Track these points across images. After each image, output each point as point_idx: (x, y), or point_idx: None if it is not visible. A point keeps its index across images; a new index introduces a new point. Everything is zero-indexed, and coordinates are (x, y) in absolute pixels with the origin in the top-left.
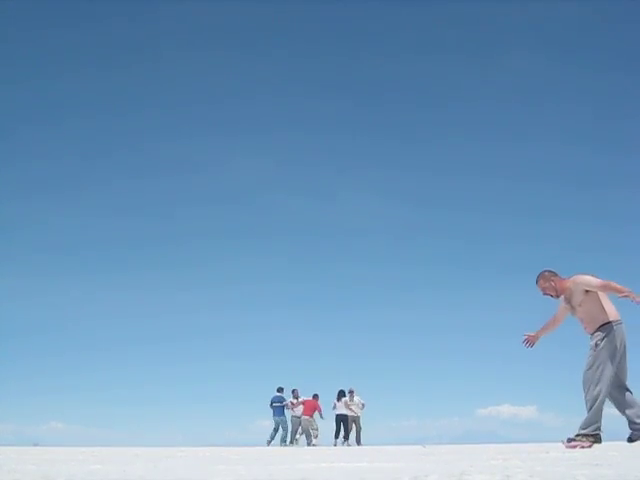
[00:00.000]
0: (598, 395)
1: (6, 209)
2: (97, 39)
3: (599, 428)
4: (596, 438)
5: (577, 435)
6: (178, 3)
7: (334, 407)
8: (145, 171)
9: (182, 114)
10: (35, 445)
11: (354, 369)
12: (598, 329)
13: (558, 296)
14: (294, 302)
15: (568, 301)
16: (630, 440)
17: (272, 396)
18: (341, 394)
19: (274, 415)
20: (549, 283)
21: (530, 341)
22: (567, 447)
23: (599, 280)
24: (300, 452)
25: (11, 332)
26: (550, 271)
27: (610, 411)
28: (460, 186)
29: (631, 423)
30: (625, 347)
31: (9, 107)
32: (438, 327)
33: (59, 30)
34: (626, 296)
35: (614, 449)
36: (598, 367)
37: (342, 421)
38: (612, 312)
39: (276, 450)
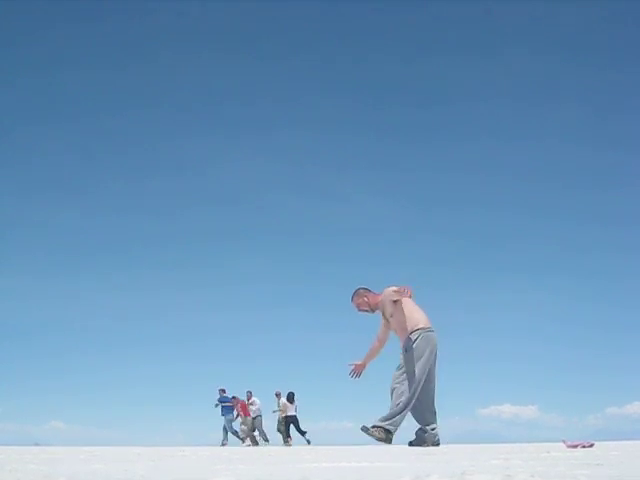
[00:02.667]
0: (403, 394)
1: (6, 209)
2: (96, 39)
3: (394, 429)
4: (387, 434)
5: (373, 426)
6: (177, 3)
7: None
8: (145, 171)
9: (184, 114)
10: (36, 445)
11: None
12: (408, 337)
13: (373, 311)
14: (297, 303)
15: (383, 315)
16: (410, 444)
17: (221, 397)
18: (291, 396)
19: (227, 414)
20: (362, 299)
21: (357, 371)
22: (568, 447)
23: (394, 287)
24: (301, 452)
25: (12, 332)
26: (364, 288)
27: (610, 411)
28: (463, 186)
29: (420, 429)
30: (434, 354)
31: (8, 107)
32: (439, 326)
33: (58, 29)
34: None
35: (615, 449)
36: (407, 371)
37: (292, 422)
38: (421, 320)
39: (276, 450)
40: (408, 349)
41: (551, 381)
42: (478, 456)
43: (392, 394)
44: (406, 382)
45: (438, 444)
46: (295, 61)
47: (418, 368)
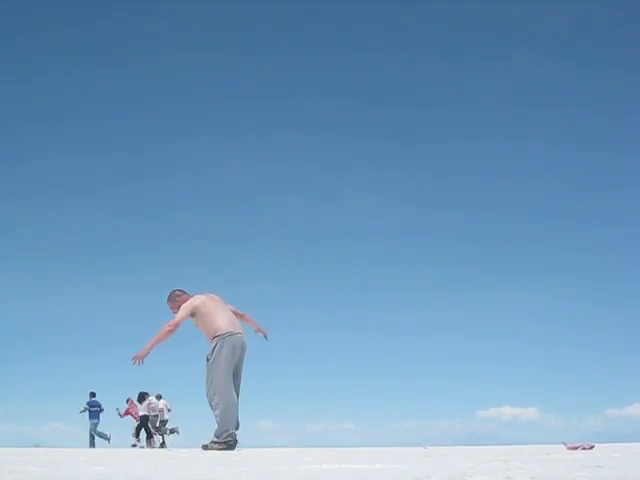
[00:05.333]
0: (218, 406)
1: (6, 209)
2: (94, 39)
3: (231, 435)
4: (228, 444)
5: (211, 442)
6: (176, 3)
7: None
8: (144, 172)
9: (181, 115)
10: (36, 446)
11: (355, 370)
12: (211, 342)
13: None
14: (294, 303)
15: (192, 317)
16: (204, 447)
17: (90, 401)
18: (140, 396)
19: (93, 419)
20: (175, 302)
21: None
22: (568, 449)
23: (177, 318)
24: (301, 453)
25: (12, 332)
26: (179, 290)
27: (611, 412)
28: (462, 187)
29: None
30: (235, 357)
31: (8, 107)
32: (439, 328)
33: (59, 30)
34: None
35: (615, 451)
36: (213, 380)
37: (141, 422)
38: (223, 325)
39: (277, 451)
40: (209, 358)
41: (551, 383)
42: (478, 458)
43: (210, 404)
44: (216, 394)
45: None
46: (293, 61)
47: (222, 375)
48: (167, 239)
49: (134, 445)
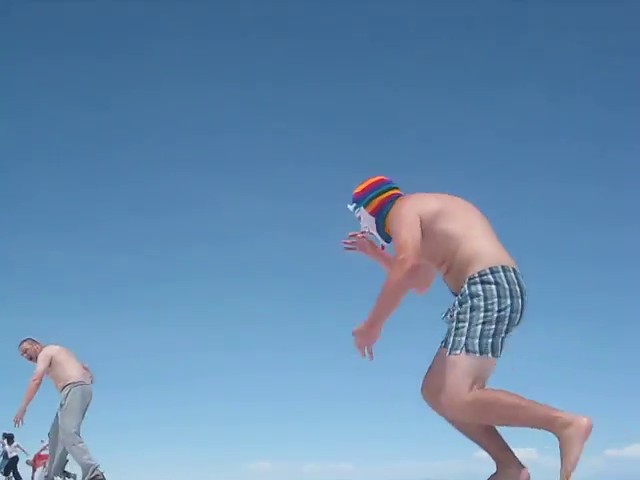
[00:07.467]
0: (77, 448)
1: (5, 246)
2: (86, 76)
3: (97, 468)
4: (97, 478)
5: None
6: (166, 39)
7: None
8: (139, 210)
9: (173, 151)
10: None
11: (352, 409)
12: (63, 390)
13: (32, 359)
14: (291, 343)
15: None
16: None
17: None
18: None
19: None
20: (26, 351)
21: None
22: None
23: (39, 370)
24: None
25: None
26: (30, 339)
27: (609, 453)
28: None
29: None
30: (85, 404)
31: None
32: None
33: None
34: None
35: None
36: (70, 424)
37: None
38: (72, 375)
39: None
40: (63, 404)
41: None
42: None
43: (66, 447)
44: (73, 436)
45: None
46: (284, 94)
47: (75, 418)
48: (162, 277)
49: None
